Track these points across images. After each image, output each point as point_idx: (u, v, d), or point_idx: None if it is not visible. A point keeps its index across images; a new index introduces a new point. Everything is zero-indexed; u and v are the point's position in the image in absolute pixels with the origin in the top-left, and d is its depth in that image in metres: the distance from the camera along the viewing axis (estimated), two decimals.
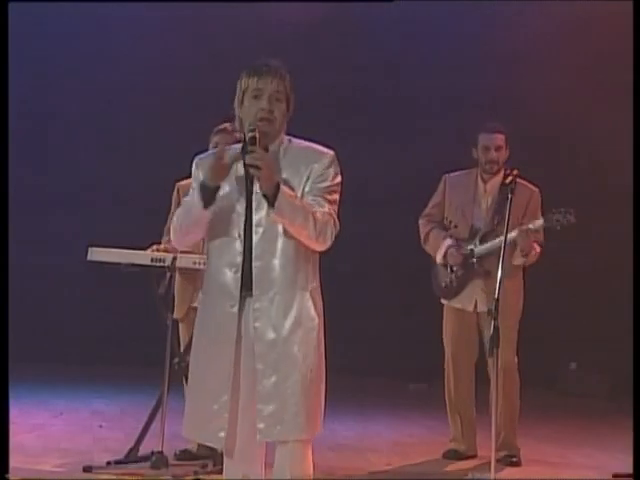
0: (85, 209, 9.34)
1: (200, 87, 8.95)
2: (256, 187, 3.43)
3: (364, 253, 7.72)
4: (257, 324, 3.46)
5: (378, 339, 8.98)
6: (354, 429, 6.75)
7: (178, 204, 5.54)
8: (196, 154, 3.72)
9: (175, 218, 3.58)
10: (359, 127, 8.95)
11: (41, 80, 9.26)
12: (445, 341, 6.00)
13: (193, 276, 5.23)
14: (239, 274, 3.46)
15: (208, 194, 3.42)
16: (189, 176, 5.13)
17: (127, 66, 9.18)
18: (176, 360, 5.23)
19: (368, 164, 8.64)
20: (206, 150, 5.53)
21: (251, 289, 3.47)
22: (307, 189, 3.47)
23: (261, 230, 3.45)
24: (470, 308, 5.85)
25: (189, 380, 3.65)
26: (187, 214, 3.52)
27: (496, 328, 4.39)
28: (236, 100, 3.52)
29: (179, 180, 5.63)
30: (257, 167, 3.33)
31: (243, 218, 3.47)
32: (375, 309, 9.08)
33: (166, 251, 5.31)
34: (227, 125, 5.55)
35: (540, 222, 5.65)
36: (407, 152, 8.90)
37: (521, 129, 5.95)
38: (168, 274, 4.98)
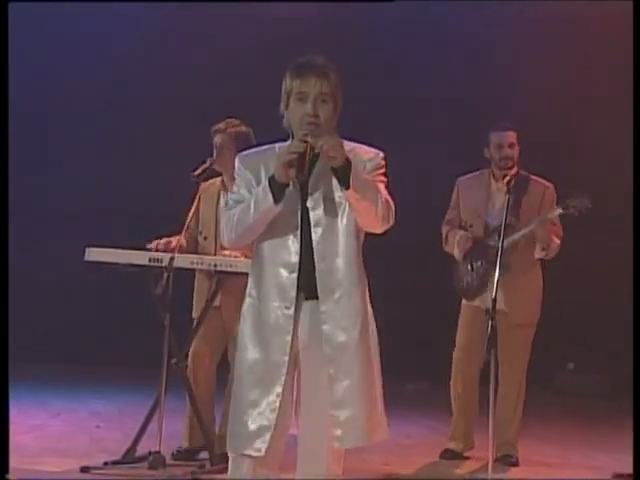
0: (85, 209, 9.34)
1: (200, 87, 8.95)
2: (310, 188, 3.38)
3: (363, 252, 7.66)
4: (325, 327, 3.37)
5: (378, 339, 8.95)
6: None
7: (197, 207, 5.49)
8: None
9: (229, 219, 3.40)
10: (359, 127, 8.92)
11: (41, 80, 9.26)
12: (459, 340, 5.92)
13: (211, 274, 5.27)
14: (295, 274, 3.36)
15: (278, 190, 3.31)
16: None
17: (127, 66, 9.18)
18: (174, 360, 5.23)
19: None
20: (207, 149, 5.59)
21: (310, 291, 3.38)
22: None
23: (320, 229, 3.38)
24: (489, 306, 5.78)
25: (242, 390, 3.41)
26: (248, 212, 3.35)
27: (494, 328, 4.38)
28: (282, 101, 3.42)
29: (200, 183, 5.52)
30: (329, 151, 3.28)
31: (298, 218, 3.38)
32: (375, 309, 9.04)
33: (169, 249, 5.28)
34: (220, 125, 5.56)
35: (557, 210, 5.63)
36: (407, 152, 8.88)
37: (521, 129, 5.94)
38: (165, 274, 4.98)
